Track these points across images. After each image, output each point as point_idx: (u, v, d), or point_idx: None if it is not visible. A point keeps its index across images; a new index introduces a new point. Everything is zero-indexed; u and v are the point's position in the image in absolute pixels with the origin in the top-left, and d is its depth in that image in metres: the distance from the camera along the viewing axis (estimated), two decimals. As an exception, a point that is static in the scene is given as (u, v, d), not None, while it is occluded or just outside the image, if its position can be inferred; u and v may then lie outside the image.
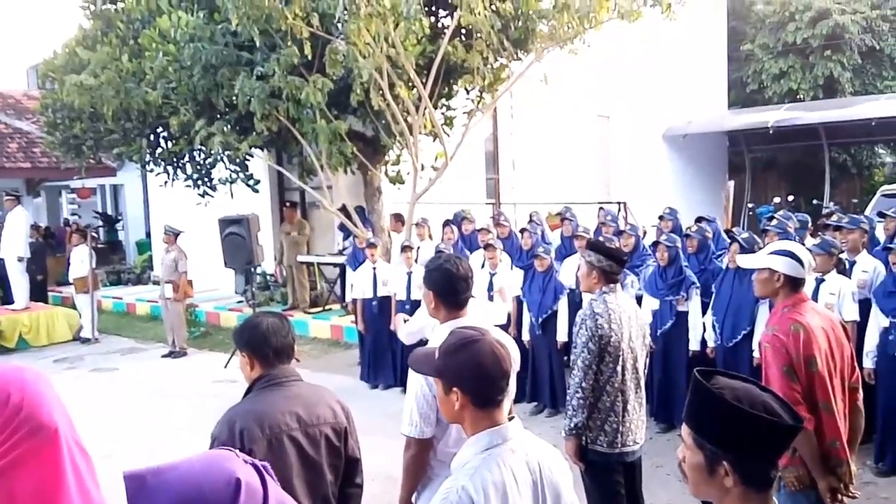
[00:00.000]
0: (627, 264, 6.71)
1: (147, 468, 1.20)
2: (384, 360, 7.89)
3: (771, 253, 3.15)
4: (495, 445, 1.84)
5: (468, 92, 9.73)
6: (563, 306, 6.71)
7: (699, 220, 7.35)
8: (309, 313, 11.15)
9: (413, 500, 2.81)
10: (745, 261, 3.47)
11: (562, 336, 6.69)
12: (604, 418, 3.54)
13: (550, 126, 14.07)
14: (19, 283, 11.27)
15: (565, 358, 6.90)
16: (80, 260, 10.95)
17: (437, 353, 1.94)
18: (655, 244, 6.47)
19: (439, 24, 9.21)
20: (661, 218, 8.00)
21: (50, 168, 15.56)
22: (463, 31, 8.68)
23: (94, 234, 12.54)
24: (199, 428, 6.57)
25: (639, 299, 6.37)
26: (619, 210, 11.43)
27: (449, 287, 2.82)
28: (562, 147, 14.41)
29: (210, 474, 1.17)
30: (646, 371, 3.76)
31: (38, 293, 12.66)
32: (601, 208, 10.34)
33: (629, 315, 3.62)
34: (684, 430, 1.59)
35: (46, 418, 1.81)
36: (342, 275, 10.66)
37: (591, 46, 8.90)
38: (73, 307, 11.55)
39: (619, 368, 3.54)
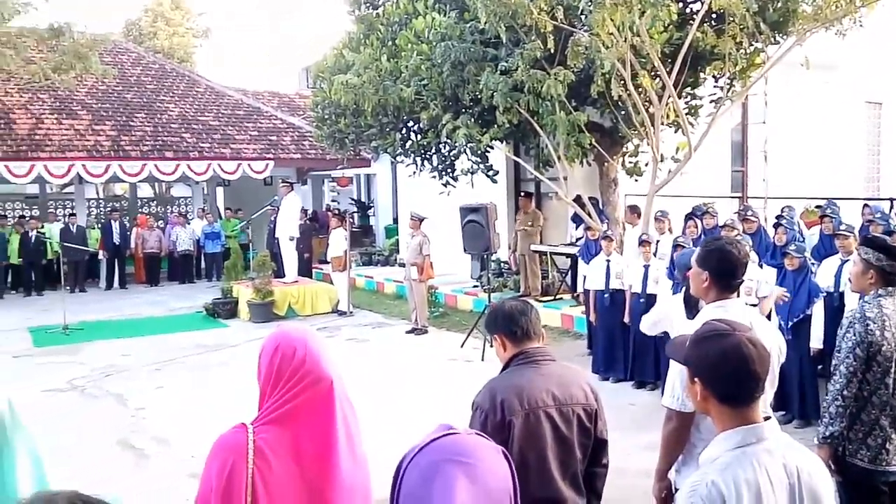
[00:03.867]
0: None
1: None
2: (615, 354, 7.82)
3: None
4: (749, 444, 1.78)
5: (716, 79, 9.23)
6: (818, 310, 6.16)
7: None
8: (540, 301, 11.33)
9: (672, 474, 2.82)
10: None
11: (815, 343, 6.14)
12: (867, 431, 3.23)
13: (810, 114, 12.82)
14: (290, 260, 12.81)
15: (819, 367, 6.35)
16: (339, 241, 12.19)
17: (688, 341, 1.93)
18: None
19: (688, 10, 8.83)
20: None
21: (316, 159, 17.49)
22: (714, 15, 8.24)
23: (350, 218, 13.86)
24: (437, 398, 7.08)
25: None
26: (892, 207, 10.09)
27: (727, 270, 2.82)
28: (822, 137, 13.07)
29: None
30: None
31: (304, 269, 14.33)
32: (866, 205, 9.25)
33: None
34: None
35: (324, 372, 2.13)
36: (574, 265, 10.71)
37: (864, 26, 7.98)
38: (332, 283, 12.90)
39: (889, 381, 3.20)
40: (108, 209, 18.58)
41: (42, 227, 15.58)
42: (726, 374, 1.80)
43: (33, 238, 14.92)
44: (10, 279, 15.30)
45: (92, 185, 20.89)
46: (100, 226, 16.69)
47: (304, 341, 2.14)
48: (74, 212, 16.79)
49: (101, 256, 15.78)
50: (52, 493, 1.07)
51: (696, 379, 1.86)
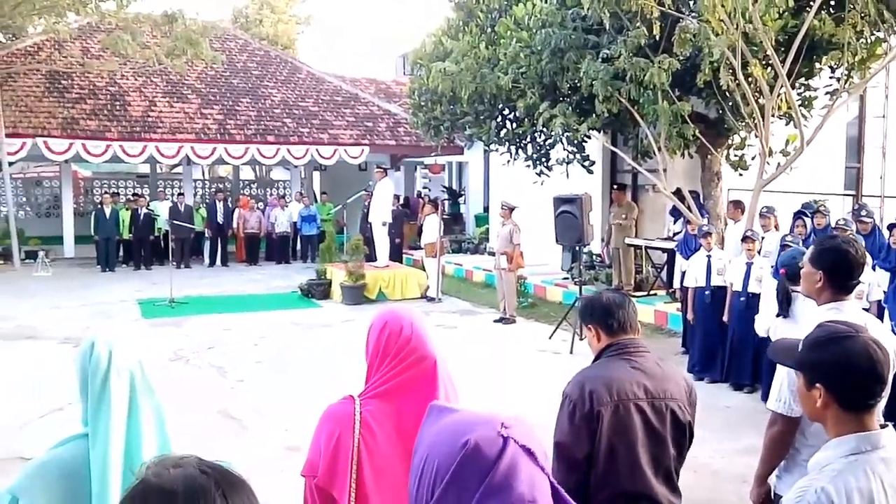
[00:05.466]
0: None
1: (450, 407, 1.28)
2: (713, 354, 7.55)
3: None
4: (863, 451, 1.70)
5: (833, 70, 8.74)
6: (938, 317, 5.77)
7: None
8: (633, 296, 11.05)
9: (772, 480, 2.74)
10: None
11: (933, 352, 5.75)
12: None
13: (935, 108, 11.95)
14: (382, 245, 13.03)
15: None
16: (433, 228, 12.30)
17: (800, 344, 1.84)
18: None
19: (805, -4, 8.39)
20: None
21: (410, 146, 17.71)
22: (833, 1, 7.79)
23: (441, 206, 13.96)
24: (524, 389, 7.05)
25: None
26: None
27: (843, 270, 2.68)
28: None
29: (455, 429, 1.18)
30: None
31: (395, 254, 14.55)
32: None
33: None
34: None
35: (429, 350, 2.16)
36: (670, 260, 10.40)
37: None
38: (422, 269, 13.04)
39: None
40: (213, 190, 19.43)
41: (149, 205, 16.49)
42: (854, 379, 1.71)
43: (142, 215, 15.79)
44: (121, 253, 16.27)
45: (198, 167, 21.89)
46: (205, 206, 17.46)
47: (410, 321, 2.19)
48: (183, 191, 17.66)
49: (206, 235, 16.54)
50: (179, 457, 1.12)
51: (817, 385, 1.76)
